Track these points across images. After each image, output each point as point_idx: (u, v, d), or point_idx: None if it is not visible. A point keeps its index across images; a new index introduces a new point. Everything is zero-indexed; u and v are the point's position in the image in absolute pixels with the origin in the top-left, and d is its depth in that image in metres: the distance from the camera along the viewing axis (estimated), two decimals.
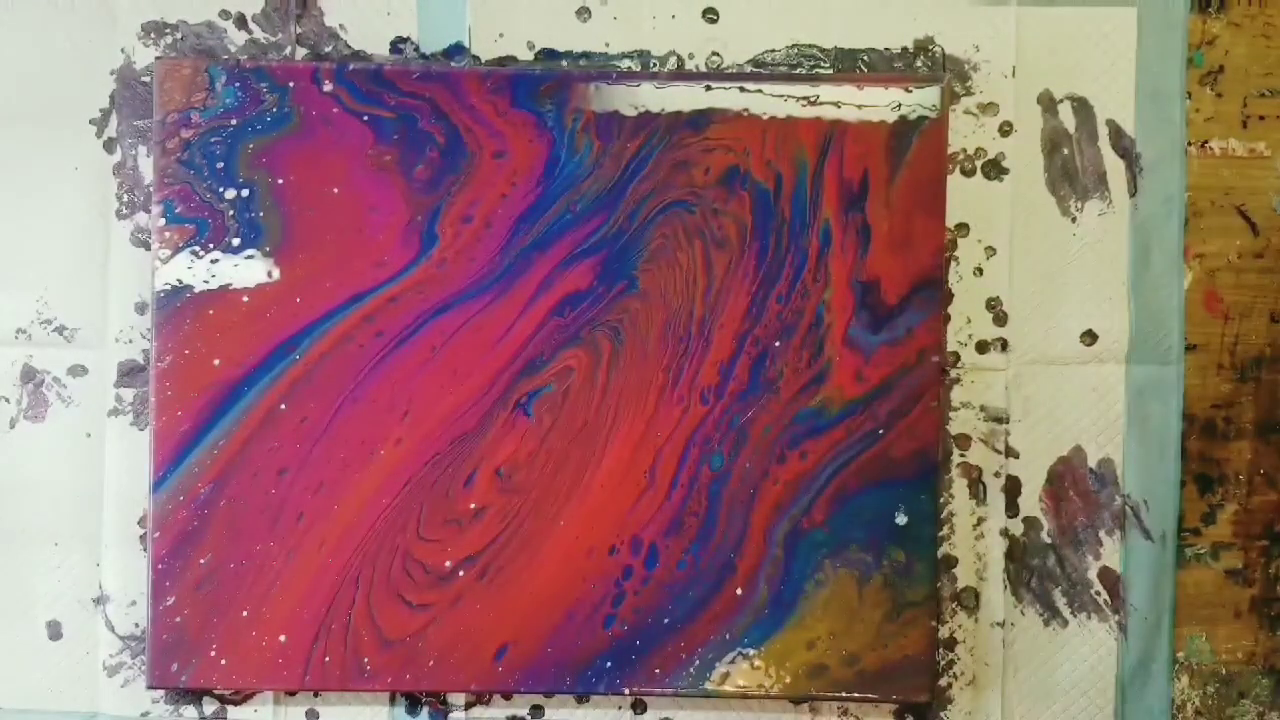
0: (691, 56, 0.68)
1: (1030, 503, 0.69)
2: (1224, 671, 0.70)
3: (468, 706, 0.68)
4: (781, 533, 0.65)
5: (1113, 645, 0.69)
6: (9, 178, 0.68)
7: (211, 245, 0.65)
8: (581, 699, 0.68)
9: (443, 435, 0.66)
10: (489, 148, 0.66)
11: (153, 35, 0.68)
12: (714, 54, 0.68)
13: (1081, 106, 0.69)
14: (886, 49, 0.68)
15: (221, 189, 0.65)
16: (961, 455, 0.69)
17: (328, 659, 0.65)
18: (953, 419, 0.69)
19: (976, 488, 0.69)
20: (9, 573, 0.68)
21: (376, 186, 0.66)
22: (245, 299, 0.65)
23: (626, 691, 0.66)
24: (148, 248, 0.68)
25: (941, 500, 0.68)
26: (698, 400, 0.65)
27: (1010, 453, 0.69)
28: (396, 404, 0.65)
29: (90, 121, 0.68)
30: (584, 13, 0.68)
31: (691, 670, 0.65)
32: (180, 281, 0.65)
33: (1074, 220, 0.69)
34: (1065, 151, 0.69)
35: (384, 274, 0.65)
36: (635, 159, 0.66)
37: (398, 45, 0.68)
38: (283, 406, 0.65)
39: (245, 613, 0.65)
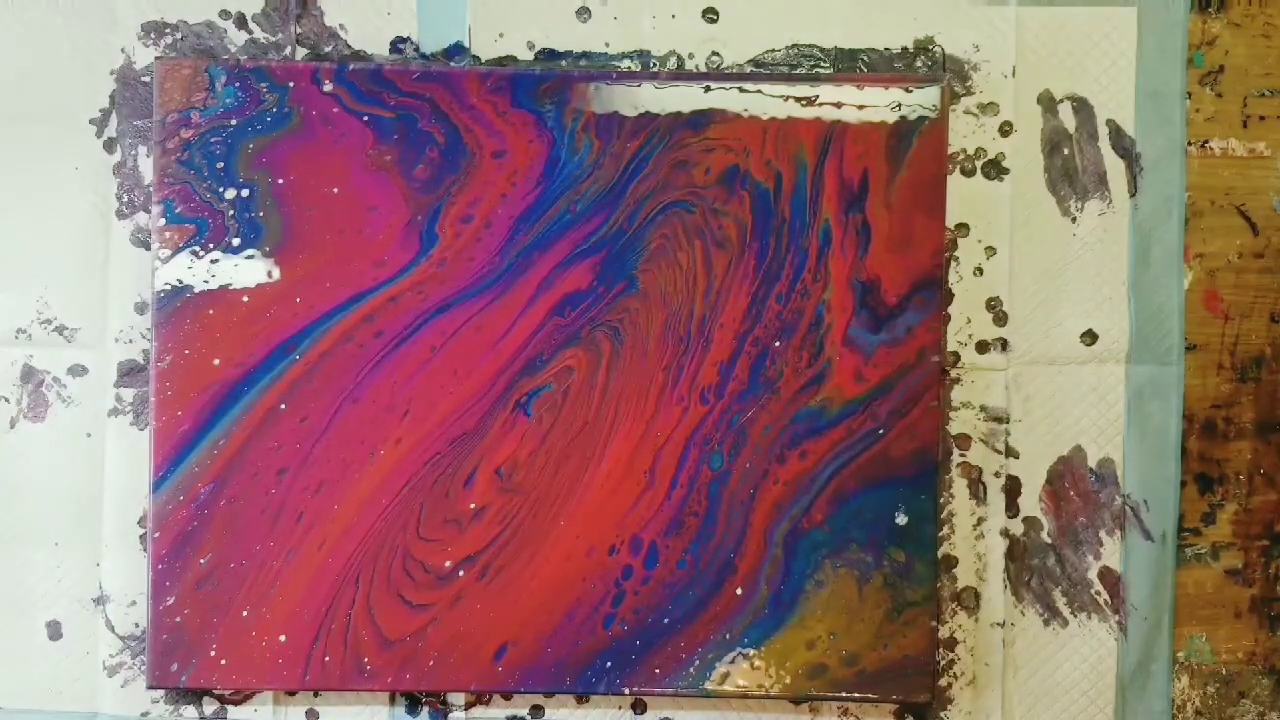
0: (691, 56, 0.68)
1: (1030, 503, 0.69)
2: (1224, 671, 0.70)
3: (468, 706, 0.68)
4: (782, 532, 0.65)
5: (1113, 645, 0.69)
6: (9, 178, 0.68)
7: (211, 245, 0.65)
8: (581, 699, 0.68)
9: (443, 435, 0.66)
10: (489, 148, 0.66)
11: (153, 35, 0.68)
12: (714, 54, 0.68)
13: (1081, 106, 0.69)
14: (886, 49, 0.68)
15: (221, 189, 0.65)
16: (961, 455, 0.69)
17: (328, 659, 0.65)
18: (953, 419, 0.69)
19: (976, 488, 0.69)
20: (9, 573, 0.68)
21: (376, 186, 0.66)
22: (245, 299, 0.65)
23: (626, 691, 0.66)
24: (148, 248, 0.68)
25: (941, 500, 0.68)
26: (698, 400, 0.65)
27: (1010, 453, 0.69)
28: (396, 404, 0.65)
29: (90, 121, 0.68)
30: (584, 13, 0.68)
31: (691, 670, 0.65)
32: (180, 281, 0.65)
33: (1074, 220, 0.69)
34: (1065, 151, 0.69)
35: (384, 274, 0.66)
36: (635, 159, 0.66)
37: (398, 45, 0.68)
38: (283, 406, 0.65)
39: (245, 613, 0.65)
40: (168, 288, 0.65)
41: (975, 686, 0.69)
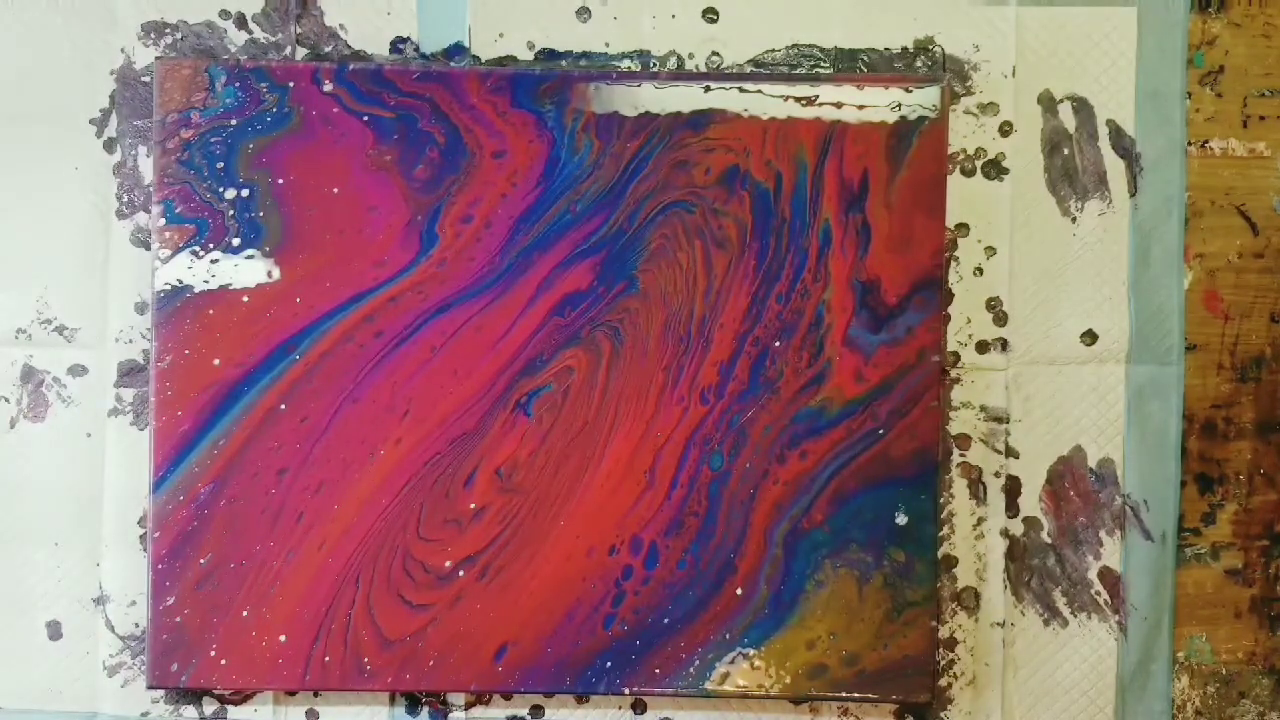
0: (691, 56, 0.68)
1: (1030, 503, 0.69)
2: (1224, 671, 0.70)
3: (468, 706, 0.68)
4: (782, 532, 0.65)
5: (1113, 645, 0.69)
6: (9, 178, 0.68)
7: (211, 245, 0.65)
8: (581, 699, 0.68)
9: (443, 435, 0.66)
10: (489, 148, 0.66)
11: (153, 35, 0.68)
12: (714, 54, 0.68)
13: (1081, 106, 0.69)
14: (886, 49, 0.68)
15: (221, 189, 0.65)
16: (961, 455, 0.69)
17: (328, 659, 0.65)
18: (953, 419, 0.69)
19: (976, 488, 0.69)
20: (9, 573, 0.68)
21: (376, 186, 0.66)
22: (245, 299, 0.65)
23: (626, 691, 0.66)
24: (148, 248, 0.68)
25: (941, 500, 0.68)
26: (698, 400, 0.65)
27: (1010, 453, 0.69)
28: (396, 404, 0.65)
29: (90, 121, 0.68)
30: (584, 13, 0.68)
31: (691, 670, 0.65)
32: (180, 281, 0.65)
33: (1074, 220, 0.69)
34: (1065, 151, 0.69)
35: (384, 274, 0.66)
36: (635, 159, 0.66)
37: (398, 45, 0.68)
38: (283, 406, 0.65)
39: (245, 613, 0.65)
40: (168, 288, 0.65)
41: (975, 686, 0.69)
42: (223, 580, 0.65)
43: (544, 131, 0.66)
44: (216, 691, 0.68)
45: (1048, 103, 0.69)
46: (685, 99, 0.66)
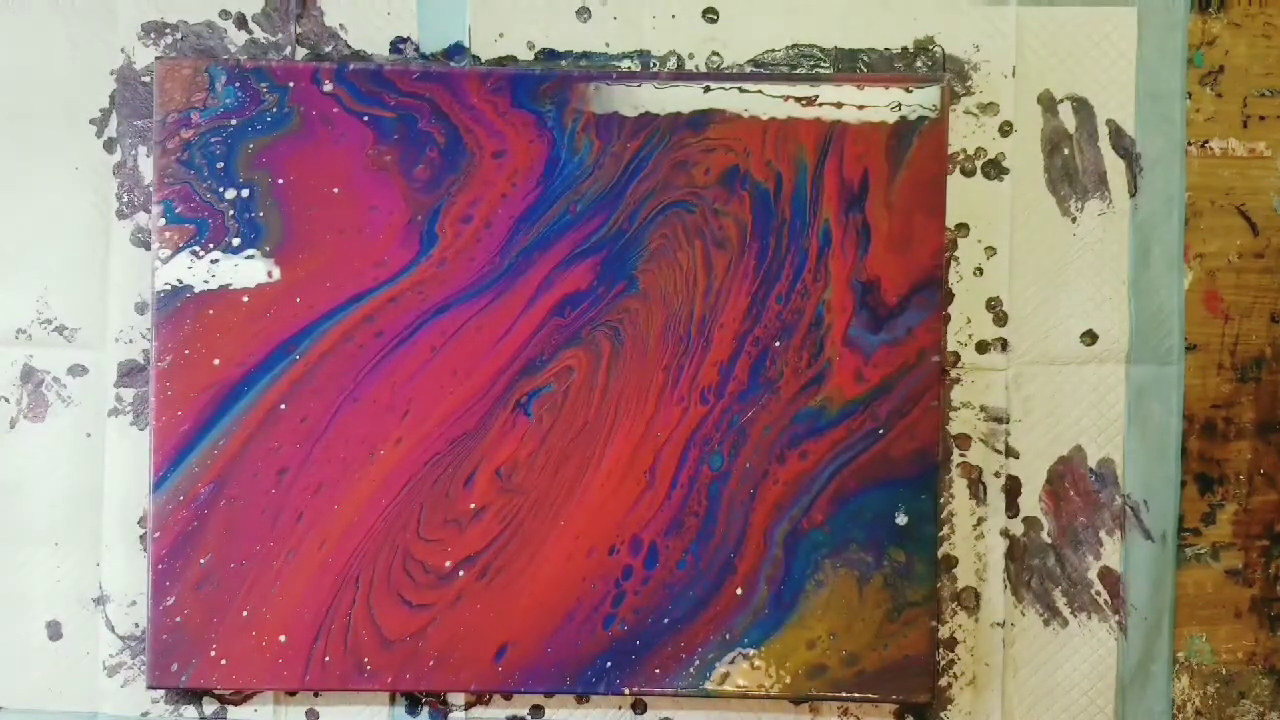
0: (691, 56, 0.68)
1: (1030, 503, 0.69)
2: (1224, 671, 0.70)
3: (468, 706, 0.68)
4: (782, 532, 0.65)
5: (1113, 645, 0.69)
6: (9, 178, 0.68)
7: (211, 245, 0.65)
8: (581, 699, 0.68)
9: (443, 435, 0.66)
10: (489, 148, 0.66)
11: (153, 35, 0.68)
12: (714, 54, 0.68)
13: (1081, 106, 0.69)
14: (886, 49, 0.68)
15: (221, 189, 0.65)
16: (961, 455, 0.69)
17: (328, 659, 0.65)
18: (953, 419, 0.69)
19: (976, 488, 0.69)
20: (9, 573, 0.68)
21: (376, 186, 0.66)
22: (245, 299, 0.65)
23: (626, 691, 0.66)
24: (148, 248, 0.68)
25: (941, 500, 0.68)
26: (698, 400, 0.65)
27: (1010, 453, 0.69)
28: (396, 404, 0.65)
29: (90, 121, 0.68)
30: (584, 13, 0.68)
31: (691, 670, 0.65)
32: (180, 281, 0.65)
33: (1074, 220, 0.69)
34: (1065, 151, 0.69)
35: (384, 274, 0.66)
36: (635, 159, 0.66)
37: (398, 45, 0.68)
38: (283, 406, 0.65)
39: (245, 613, 0.65)
40: (168, 288, 0.65)
41: (975, 686, 0.69)
42: (223, 580, 0.65)
43: (544, 131, 0.66)
44: (216, 691, 0.68)
45: (1048, 103, 0.69)
46: (685, 99, 0.66)
